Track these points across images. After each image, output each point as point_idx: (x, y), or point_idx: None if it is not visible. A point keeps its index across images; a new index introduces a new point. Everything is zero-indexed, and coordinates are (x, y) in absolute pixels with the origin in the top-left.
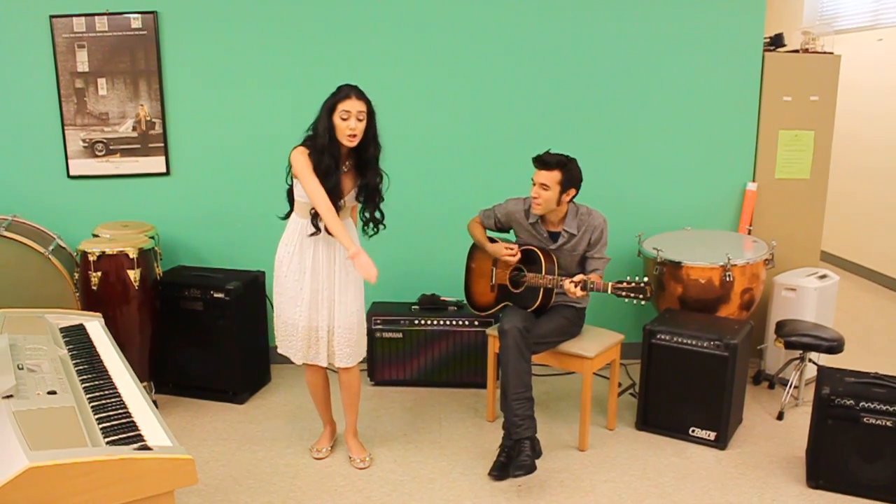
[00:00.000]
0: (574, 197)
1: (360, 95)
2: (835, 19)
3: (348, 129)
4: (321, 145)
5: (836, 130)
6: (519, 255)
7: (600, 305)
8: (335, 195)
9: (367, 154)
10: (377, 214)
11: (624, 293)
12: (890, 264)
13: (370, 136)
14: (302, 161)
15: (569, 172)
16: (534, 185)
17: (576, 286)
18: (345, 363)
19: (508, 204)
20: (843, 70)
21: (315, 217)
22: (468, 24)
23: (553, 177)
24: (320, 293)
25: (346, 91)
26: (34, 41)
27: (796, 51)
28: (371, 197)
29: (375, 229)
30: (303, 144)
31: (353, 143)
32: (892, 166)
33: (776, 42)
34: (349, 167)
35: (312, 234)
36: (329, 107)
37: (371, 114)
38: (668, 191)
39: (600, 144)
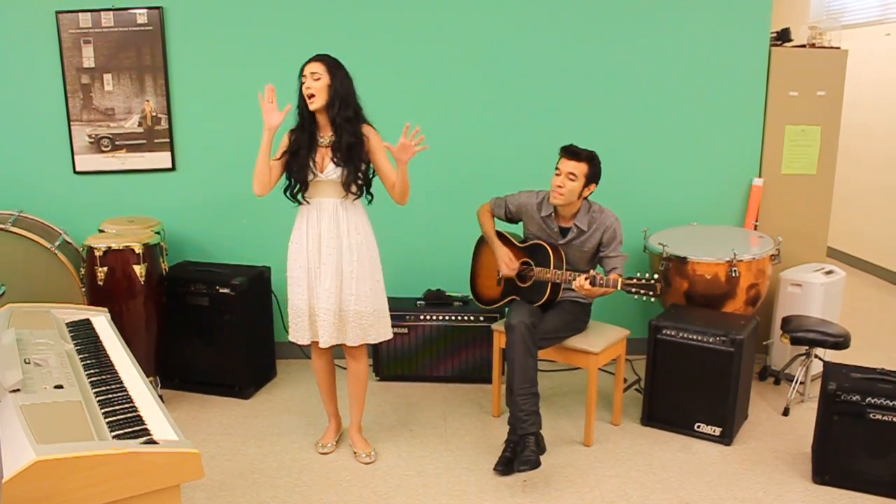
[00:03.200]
0: (592, 192)
1: (316, 58)
2: (842, 14)
3: (305, 90)
4: (300, 118)
5: (843, 126)
6: (515, 272)
7: (606, 301)
8: (305, 161)
9: (332, 112)
10: (358, 180)
11: (634, 289)
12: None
13: (333, 93)
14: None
15: (595, 166)
16: (558, 174)
17: (585, 279)
18: (346, 342)
19: (522, 196)
20: (850, 65)
21: (294, 193)
22: (477, 19)
23: (581, 168)
24: (312, 272)
25: (308, 59)
26: (40, 37)
27: (803, 46)
28: (345, 158)
29: (358, 195)
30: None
31: (312, 103)
32: None
33: (783, 37)
34: (328, 140)
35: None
36: (300, 81)
37: (331, 73)
38: (674, 186)
39: (607, 139)
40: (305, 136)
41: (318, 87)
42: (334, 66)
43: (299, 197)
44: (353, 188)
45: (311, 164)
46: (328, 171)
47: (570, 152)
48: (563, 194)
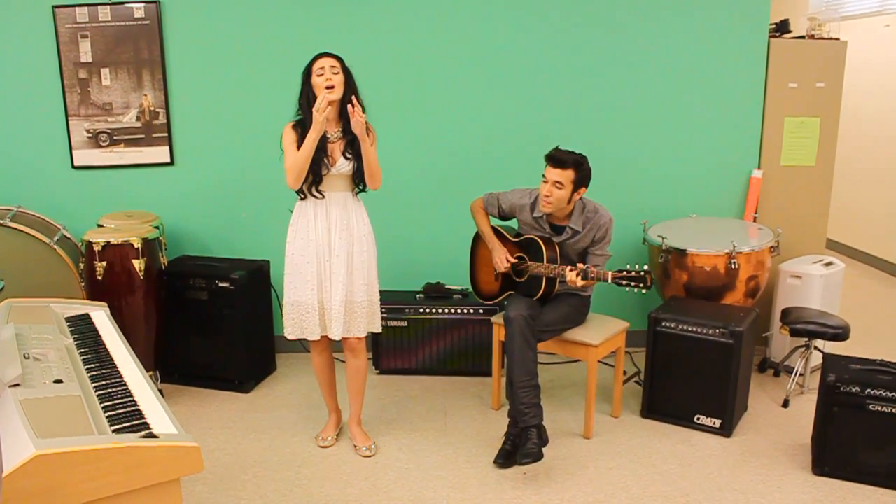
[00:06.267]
0: (582, 195)
1: (331, 54)
2: (841, 5)
3: (325, 81)
4: (305, 111)
5: (843, 117)
6: (508, 268)
7: (605, 294)
8: (321, 156)
9: (345, 108)
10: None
11: (625, 282)
12: (895, 252)
13: (349, 93)
14: (286, 136)
15: (582, 171)
16: (545, 182)
17: (577, 275)
18: (353, 334)
19: (514, 195)
20: (849, 56)
21: (309, 187)
22: (478, 10)
23: (567, 175)
24: (323, 266)
25: (318, 54)
26: (37, 32)
27: (802, 37)
28: (358, 153)
29: (364, 188)
30: (294, 120)
31: (333, 94)
32: None
33: (782, 28)
34: (338, 134)
35: (308, 197)
36: (306, 73)
37: (347, 71)
38: (674, 178)
39: (606, 131)
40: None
41: (338, 80)
42: (345, 64)
43: (313, 191)
44: (363, 181)
45: (324, 158)
46: (339, 164)
47: (555, 160)
48: (551, 203)
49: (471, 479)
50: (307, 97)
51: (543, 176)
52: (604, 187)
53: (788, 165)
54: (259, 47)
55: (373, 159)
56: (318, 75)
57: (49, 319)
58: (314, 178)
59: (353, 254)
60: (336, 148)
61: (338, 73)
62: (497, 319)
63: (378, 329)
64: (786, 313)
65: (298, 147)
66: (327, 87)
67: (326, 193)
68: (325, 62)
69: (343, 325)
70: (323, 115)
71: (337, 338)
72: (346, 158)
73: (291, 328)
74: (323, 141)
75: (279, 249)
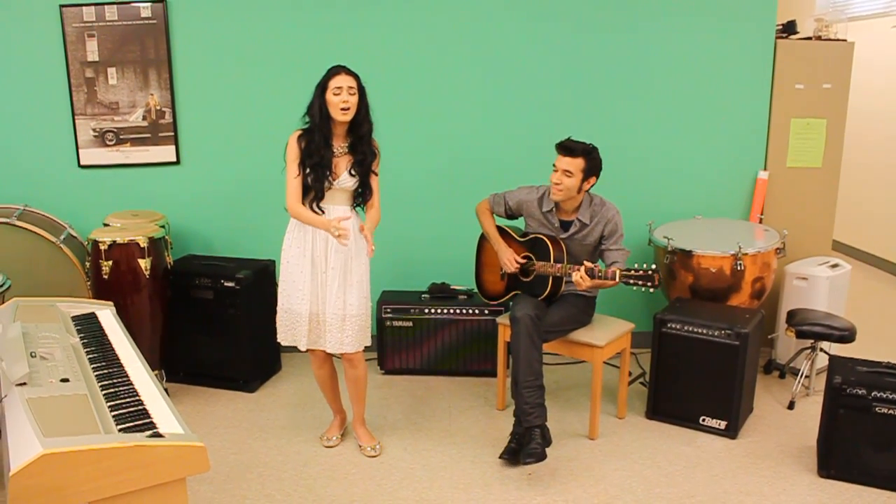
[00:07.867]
0: (593, 185)
1: (349, 72)
2: (848, 6)
3: (341, 102)
4: (315, 124)
5: (849, 119)
6: (517, 269)
7: (610, 295)
8: (325, 173)
9: (361, 131)
10: (368, 189)
11: (632, 281)
12: None
13: (363, 112)
14: (289, 149)
15: (592, 160)
16: (555, 170)
17: (584, 273)
18: (346, 349)
19: (521, 192)
20: (856, 57)
21: (310, 203)
22: (481, 11)
23: (577, 164)
24: (319, 278)
25: (336, 69)
26: (44, 31)
27: (809, 38)
28: (366, 173)
29: (363, 203)
30: (301, 129)
31: (347, 116)
32: None
33: (789, 29)
34: (344, 149)
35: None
36: (321, 86)
37: (362, 89)
38: (680, 179)
39: (612, 132)
40: (323, 145)
41: (354, 101)
42: (361, 82)
43: (314, 207)
44: (364, 196)
45: (327, 174)
46: (342, 179)
47: (564, 148)
48: (561, 191)
49: (475, 478)
50: (319, 109)
51: (554, 165)
52: (610, 188)
53: (795, 167)
54: (266, 47)
55: (375, 222)
56: (335, 94)
57: (55, 318)
58: (316, 193)
59: (351, 268)
60: (341, 163)
61: (354, 94)
62: (502, 320)
63: (368, 342)
64: (791, 315)
65: (300, 161)
66: (342, 109)
67: (326, 208)
68: (344, 81)
69: (338, 337)
70: (339, 240)
71: (332, 352)
72: (351, 175)
73: (283, 334)
74: (328, 155)
75: None
